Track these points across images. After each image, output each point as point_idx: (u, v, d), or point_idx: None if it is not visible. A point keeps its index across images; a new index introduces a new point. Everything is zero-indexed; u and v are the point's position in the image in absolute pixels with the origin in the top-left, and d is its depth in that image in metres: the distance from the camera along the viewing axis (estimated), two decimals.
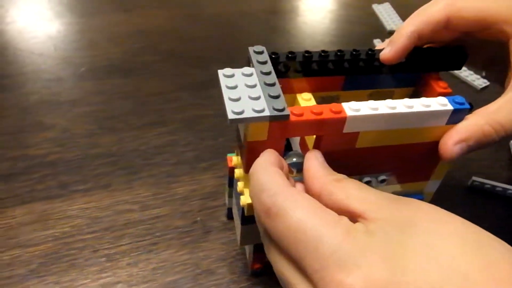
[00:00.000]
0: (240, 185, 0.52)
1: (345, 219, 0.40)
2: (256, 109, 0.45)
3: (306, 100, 0.56)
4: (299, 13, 1.41)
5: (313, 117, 0.47)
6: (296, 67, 0.55)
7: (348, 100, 0.50)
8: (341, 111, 0.47)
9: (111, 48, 1.12)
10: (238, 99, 0.46)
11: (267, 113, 0.45)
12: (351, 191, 0.43)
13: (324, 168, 0.47)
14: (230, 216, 0.71)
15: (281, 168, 0.46)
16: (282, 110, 0.45)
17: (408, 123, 0.50)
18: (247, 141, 0.47)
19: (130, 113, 0.93)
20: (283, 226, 0.39)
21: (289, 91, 0.57)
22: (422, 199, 0.55)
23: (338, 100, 0.60)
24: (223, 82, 0.48)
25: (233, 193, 0.61)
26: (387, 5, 1.42)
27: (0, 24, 1.18)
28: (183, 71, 1.07)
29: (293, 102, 0.57)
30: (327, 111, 0.47)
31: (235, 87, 0.48)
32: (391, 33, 1.22)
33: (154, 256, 0.67)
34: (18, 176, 0.77)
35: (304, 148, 0.55)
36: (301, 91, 0.57)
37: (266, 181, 0.43)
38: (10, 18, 1.21)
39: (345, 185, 0.44)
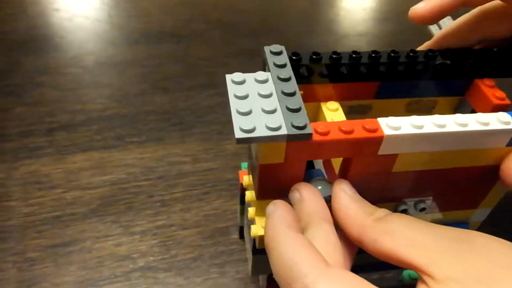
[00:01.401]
0: (251, 211, 0.36)
1: None
2: (271, 126, 0.29)
3: (332, 110, 0.39)
4: None
5: (342, 136, 0.31)
6: (322, 71, 0.38)
7: (381, 110, 0.36)
8: (376, 129, 0.31)
9: (163, 16, 1.00)
10: (248, 113, 0.31)
11: (284, 131, 0.29)
12: (399, 235, 0.29)
13: (358, 205, 0.32)
14: (242, 235, 0.55)
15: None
16: (303, 127, 0.30)
17: (459, 145, 0.33)
18: (260, 164, 0.32)
19: (181, 76, 0.83)
20: None
21: (312, 99, 0.40)
22: None
23: (370, 109, 0.41)
24: (231, 90, 0.32)
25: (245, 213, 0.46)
26: None
27: None
28: (231, 39, 0.94)
29: (316, 112, 0.40)
30: (359, 128, 0.31)
31: (245, 97, 0.32)
32: None
33: (205, 204, 0.60)
34: (78, 127, 0.70)
35: (328, 168, 0.38)
36: (326, 99, 0.40)
37: (295, 261, 0.27)
38: None
39: (390, 227, 0.29)
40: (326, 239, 0.30)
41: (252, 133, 0.29)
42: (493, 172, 0.35)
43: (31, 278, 0.51)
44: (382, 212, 0.31)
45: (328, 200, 0.33)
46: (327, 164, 0.38)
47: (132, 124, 0.71)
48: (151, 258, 0.54)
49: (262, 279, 0.45)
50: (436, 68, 0.39)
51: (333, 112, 0.38)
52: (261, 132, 0.29)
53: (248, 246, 0.40)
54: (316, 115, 0.40)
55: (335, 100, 0.39)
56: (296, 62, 0.36)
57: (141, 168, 0.64)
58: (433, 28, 0.44)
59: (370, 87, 0.39)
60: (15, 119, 0.71)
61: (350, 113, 0.41)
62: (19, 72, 0.81)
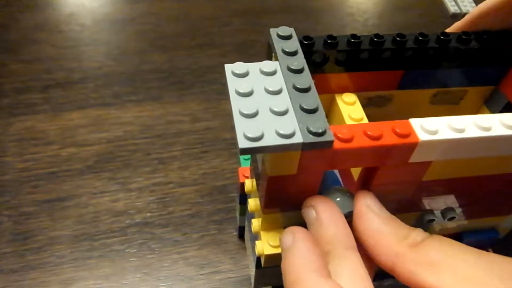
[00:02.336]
0: (255, 224, 0.26)
1: None
2: (283, 132, 0.19)
3: (348, 104, 0.28)
4: None
5: (368, 143, 0.20)
6: (338, 57, 0.26)
7: (403, 101, 0.27)
8: (409, 133, 0.21)
9: None
10: (254, 115, 0.19)
11: (299, 138, 0.19)
12: (443, 268, 0.19)
13: (390, 228, 0.22)
14: (241, 235, 0.43)
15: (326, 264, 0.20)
16: (323, 134, 0.20)
17: (505, 150, 0.22)
18: (268, 176, 0.20)
19: (181, 35, 0.68)
20: None
21: (326, 90, 0.29)
22: (496, 237, 0.28)
23: (389, 101, 0.30)
24: (233, 85, 0.21)
25: (246, 219, 0.37)
26: None
27: None
28: None
29: (329, 105, 0.29)
30: (389, 133, 0.20)
31: (249, 94, 0.21)
32: (455, 16, 0.71)
33: (204, 162, 0.50)
34: (74, 84, 0.58)
35: (346, 175, 0.27)
36: (342, 91, 0.29)
37: None
38: None
39: (430, 256, 0.20)
40: (355, 275, 0.20)
41: (259, 142, 0.18)
42: None
43: (26, 232, 0.42)
44: (418, 235, 0.21)
45: (348, 216, 0.22)
46: (345, 171, 0.27)
47: (130, 83, 0.59)
48: (148, 214, 0.45)
49: None
50: (469, 53, 0.27)
51: (349, 105, 0.27)
52: (271, 140, 0.19)
53: (250, 256, 0.29)
54: (329, 109, 0.29)
55: (352, 92, 0.28)
56: (308, 48, 0.25)
57: (139, 126, 0.53)
58: (450, 4, 0.32)
59: (393, 76, 0.28)
60: (11, 75, 0.59)
61: (368, 105, 0.30)
62: (15, 29, 0.67)
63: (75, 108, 0.55)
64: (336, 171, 0.29)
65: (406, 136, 0.21)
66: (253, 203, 0.26)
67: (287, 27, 0.24)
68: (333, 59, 0.26)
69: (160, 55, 0.64)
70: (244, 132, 0.19)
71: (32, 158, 0.48)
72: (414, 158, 0.21)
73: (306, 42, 0.25)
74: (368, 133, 0.20)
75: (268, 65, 0.23)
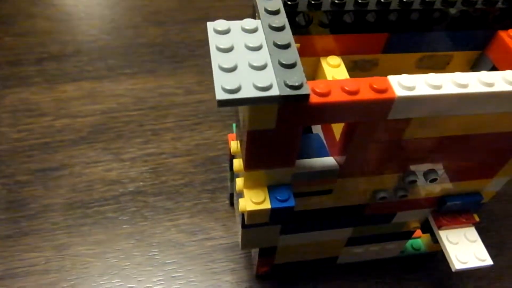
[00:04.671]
0: (239, 182, 0.26)
1: None
2: (260, 85, 0.20)
3: (333, 66, 0.28)
4: None
5: (345, 97, 0.21)
6: (322, 19, 0.26)
7: (388, 66, 0.27)
8: (386, 89, 0.21)
9: None
10: (233, 69, 0.20)
11: (275, 91, 0.20)
12: None
13: None
14: (233, 202, 0.43)
15: None
16: (299, 87, 0.20)
17: (483, 108, 0.23)
18: (247, 131, 0.21)
19: (175, 9, 0.68)
20: None
21: (310, 53, 0.29)
22: (480, 201, 0.28)
23: (375, 66, 0.30)
24: (213, 41, 0.21)
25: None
26: None
27: None
28: None
29: (315, 68, 0.29)
30: (366, 88, 0.21)
31: (230, 50, 0.21)
32: None
33: (197, 134, 0.51)
34: (68, 57, 0.58)
35: (328, 133, 0.28)
36: (326, 54, 0.29)
37: None
38: None
39: None
40: None
41: (236, 94, 0.19)
42: None
43: (21, 199, 0.43)
44: None
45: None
46: (327, 128, 0.28)
47: (123, 56, 0.60)
48: (141, 183, 0.45)
49: (254, 252, 0.36)
50: (455, 17, 0.27)
51: (334, 68, 0.28)
52: (248, 92, 0.19)
53: (238, 220, 0.30)
54: (314, 72, 0.29)
55: (337, 55, 0.28)
56: (291, 8, 0.25)
57: (132, 98, 0.54)
58: None
59: (378, 39, 0.28)
60: (4, 48, 0.59)
61: (354, 69, 0.30)
62: (9, 2, 0.67)
63: (69, 81, 0.55)
64: (321, 135, 0.29)
65: (383, 91, 0.21)
66: (237, 163, 0.27)
67: None
68: (317, 20, 0.27)
69: (154, 29, 0.65)
70: (222, 84, 0.19)
71: (26, 129, 0.49)
72: (393, 114, 0.22)
73: (289, 3, 0.25)
74: (346, 88, 0.21)
75: (249, 22, 0.23)
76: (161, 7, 0.69)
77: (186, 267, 0.39)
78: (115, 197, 0.44)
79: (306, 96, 0.20)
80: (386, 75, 0.22)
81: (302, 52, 0.28)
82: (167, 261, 0.40)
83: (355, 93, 0.21)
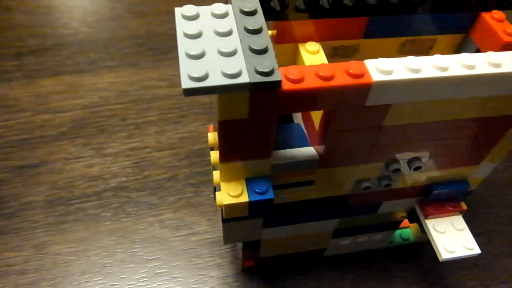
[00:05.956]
0: (215, 175, 0.25)
1: None
2: (228, 72, 0.19)
3: (311, 52, 0.27)
4: None
5: (320, 84, 0.20)
6: (299, 4, 0.25)
7: (371, 51, 0.27)
8: (363, 73, 0.20)
9: None
10: (201, 56, 0.19)
11: (245, 78, 0.19)
12: None
13: None
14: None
15: None
16: (270, 73, 0.19)
17: (465, 92, 0.22)
18: (219, 121, 0.20)
19: (159, 0, 0.67)
20: None
21: (289, 40, 0.28)
22: (467, 188, 0.28)
23: (356, 51, 0.30)
24: (181, 27, 0.20)
25: None
26: None
27: None
28: None
29: (293, 55, 0.28)
30: (341, 73, 0.20)
31: (198, 36, 0.20)
32: None
33: (181, 127, 0.49)
34: (48, 51, 0.57)
35: (308, 121, 0.27)
36: (305, 40, 0.28)
37: None
38: None
39: None
40: None
41: (203, 82, 0.18)
42: (503, 123, 0.25)
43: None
44: None
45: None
46: (306, 117, 0.27)
47: (105, 49, 0.58)
48: (124, 178, 0.44)
49: (239, 246, 0.35)
50: None
51: (312, 54, 0.27)
52: (216, 80, 0.18)
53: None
54: (293, 59, 0.28)
55: (316, 41, 0.28)
56: None
57: (114, 92, 0.53)
58: None
59: (357, 24, 0.27)
60: None
61: (334, 56, 0.29)
62: None
63: (49, 75, 0.54)
64: (302, 124, 0.28)
65: (359, 76, 0.20)
66: (214, 155, 0.26)
67: None
68: (293, 5, 0.26)
69: (137, 20, 0.63)
70: (189, 72, 0.18)
71: (4, 125, 0.47)
72: (371, 100, 0.21)
73: None
74: (320, 73, 0.20)
75: (219, 7, 0.22)
76: None
77: (170, 263, 0.39)
78: (97, 193, 0.43)
79: (278, 82, 0.19)
80: None
81: (279, 39, 0.27)
82: (150, 258, 0.39)
83: (330, 78, 0.20)
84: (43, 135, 0.47)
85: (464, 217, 0.33)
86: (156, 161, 0.46)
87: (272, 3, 0.25)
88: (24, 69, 0.54)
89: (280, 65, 0.19)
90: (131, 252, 0.39)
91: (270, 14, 0.25)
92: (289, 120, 0.30)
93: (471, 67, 0.21)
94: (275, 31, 0.27)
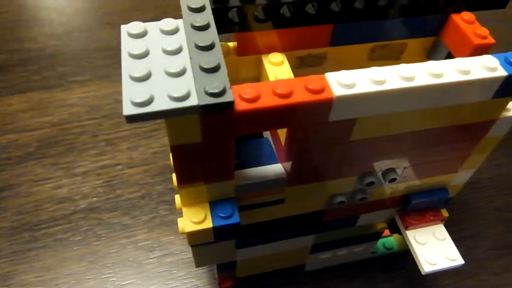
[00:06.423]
0: (177, 200, 0.23)
1: None
2: (174, 95, 0.17)
3: (275, 64, 0.25)
4: None
5: (277, 102, 0.18)
6: (258, 14, 0.24)
7: (339, 59, 0.25)
8: (323, 88, 0.19)
9: None
10: (146, 78, 0.17)
11: (193, 101, 0.17)
12: None
13: None
14: None
15: None
16: (221, 93, 0.18)
17: (434, 102, 0.21)
18: (171, 146, 0.18)
19: (131, 9, 0.65)
20: None
21: (251, 51, 0.27)
22: (446, 196, 0.26)
23: (324, 60, 0.28)
24: (126, 47, 0.18)
25: None
26: None
27: None
28: None
29: (257, 67, 0.27)
30: (300, 89, 0.19)
31: (144, 55, 0.18)
32: None
33: (154, 141, 0.48)
34: (14, 67, 0.55)
35: (275, 137, 0.25)
36: (268, 50, 0.27)
37: None
38: None
39: None
40: None
41: (147, 107, 0.16)
42: (476, 130, 0.24)
43: None
44: None
45: None
46: (273, 132, 0.26)
47: (75, 62, 0.56)
48: (95, 199, 0.43)
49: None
50: (403, 2, 0.25)
51: (276, 66, 0.25)
52: (161, 104, 0.17)
53: None
54: (257, 72, 0.27)
55: (280, 51, 0.26)
56: (222, 4, 0.22)
57: (85, 107, 0.51)
58: None
59: (322, 31, 0.26)
60: None
61: (301, 65, 0.28)
62: None
63: (16, 92, 0.52)
64: (270, 139, 0.27)
65: (319, 92, 0.19)
66: (174, 177, 0.24)
67: None
68: (252, 16, 0.24)
69: (108, 31, 0.61)
70: (131, 97, 0.17)
71: None
72: (334, 116, 0.20)
73: None
74: (277, 91, 0.18)
75: (168, 23, 0.20)
76: (115, 8, 0.66)
77: (145, 287, 0.37)
78: (66, 216, 0.41)
79: (230, 103, 0.17)
80: (336, 70, 0.20)
81: (241, 51, 0.25)
82: (123, 283, 0.37)
83: (288, 95, 0.18)
84: (9, 156, 0.45)
85: (449, 221, 0.32)
86: (128, 179, 0.44)
87: (230, 14, 0.24)
88: None
89: (242, 79, 0.18)
90: (103, 278, 0.37)
91: (229, 25, 0.24)
92: (259, 134, 0.29)
93: (439, 76, 0.20)
94: (235, 43, 0.25)
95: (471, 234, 0.42)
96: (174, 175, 0.24)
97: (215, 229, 0.23)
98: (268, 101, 0.18)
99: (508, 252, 0.41)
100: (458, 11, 0.27)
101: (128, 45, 0.19)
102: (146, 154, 0.47)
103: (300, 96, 0.18)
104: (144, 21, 0.53)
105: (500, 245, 0.41)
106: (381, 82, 0.19)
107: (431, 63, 0.20)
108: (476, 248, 0.41)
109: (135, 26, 0.20)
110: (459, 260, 0.30)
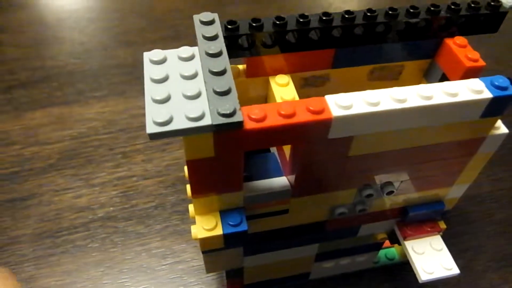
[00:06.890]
0: (190, 209, 0.25)
1: None
2: (191, 115, 0.20)
3: (281, 85, 0.28)
4: None
5: (281, 121, 0.21)
6: (266, 40, 0.26)
7: (340, 80, 0.27)
8: (323, 109, 0.21)
9: None
10: (166, 100, 0.20)
11: (207, 121, 0.20)
12: None
13: None
14: None
15: None
16: (232, 114, 0.20)
17: (425, 121, 0.23)
18: (187, 160, 0.21)
19: (145, 29, 0.68)
20: None
21: (259, 73, 0.29)
22: (442, 209, 0.28)
23: (327, 81, 0.31)
24: (148, 72, 0.21)
25: None
26: None
27: None
28: None
29: (265, 88, 0.29)
30: (302, 111, 0.21)
31: (164, 80, 0.21)
32: None
33: (167, 154, 0.50)
34: (37, 83, 0.58)
35: (281, 152, 0.27)
36: (275, 72, 0.29)
37: None
38: None
39: None
40: None
41: (167, 126, 0.19)
42: (468, 147, 0.26)
43: None
44: None
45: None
46: (279, 148, 0.28)
47: (93, 79, 0.59)
48: (111, 208, 0.45)
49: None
50: (399, 28, 0.27)
51: (282, 87, 0.28)
52: (179, 124, 0.19)
53: None
54: (265, 92, 0.29)
55: (286, 73, 0.29)
56: (233, 32, 0.25)
57: (102, 121, 0.54)
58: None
59: (324, 55, 0.28)
60: None
61: (305, 86, 0.30)
62: None
63: (38, 107, 0.55)
64: (276, 153, 0.29)
65: (319, 112, 0.21)
66: (188, 188, 0.26)
67: (209, 13, 0.25)
68: (260, 42, 0.27)
69: (124, 50, 0.64)
70: (153, 117, 0.19)
71: None
72: (333, 134, 0.22)
73: (230, 27, 0.26)
74: (281, 112, 0.21)
75: (185, 51, 0.23)
76: (130, 27, 0.69)
77: None
78: (85, 224, 0.44)
79: (240, 123, 0.20)
80: (338, 90, 0.22)
81: (250, 73, 0.28)
82: None
83: (291, 116, 0.21)
84: (32, 167, 0.48)
85: (450, 233, 0.33)
86: (143, 190, 0.47)
87: (240, 41, 0.26)
88: (14, 102, 0.55)
89: (252, 98, 0.20)
90: (119, 282, 0.39)
91: (238, 50, 0.26)
92: (266, 150, 0.31)
93: (429, 98, 0.22)
94: (245, 66, 0.28)
95: (471, 246, 0.43)
96: (188, 186, 0.27)
97: (225, 236, 0.25)
98: (273, 120, 0.21)
99: (507, 264, 0.42)
100: (452, 36, 0.29)
101: (150, 71, 0.22)
102: (159, 166, 0.49)
103: (302, 116, 0.21)
104: (158, 39, 0.56)
105: (499, 257, 0.43)
106: (375, 104, 0.21)
107: (421, 86, 0.22)
108: (476, 260, 0.42)
109: (156, 54, 0.22)
110: (454, 270, 0.32)
